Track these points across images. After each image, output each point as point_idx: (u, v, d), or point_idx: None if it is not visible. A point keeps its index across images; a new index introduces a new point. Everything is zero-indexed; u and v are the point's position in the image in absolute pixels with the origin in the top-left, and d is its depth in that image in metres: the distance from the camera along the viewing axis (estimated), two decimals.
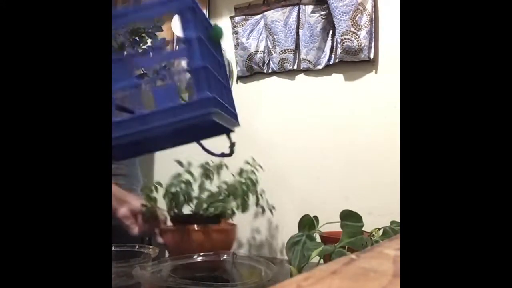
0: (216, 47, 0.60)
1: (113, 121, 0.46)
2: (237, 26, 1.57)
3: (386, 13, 1.35)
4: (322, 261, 0.86)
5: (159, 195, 1.01)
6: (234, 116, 0.62)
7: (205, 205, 1.00)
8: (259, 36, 1.54)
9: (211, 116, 0.49)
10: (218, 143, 0.62)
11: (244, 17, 1.56)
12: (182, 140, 0.61)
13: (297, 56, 1.48)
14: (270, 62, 1.53)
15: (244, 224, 1.47)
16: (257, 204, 1.08)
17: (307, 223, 0.96)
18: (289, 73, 1.51)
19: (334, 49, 1.41)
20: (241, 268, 0.86)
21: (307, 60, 1.44)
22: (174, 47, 1.67)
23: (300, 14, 1.44)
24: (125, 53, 0.83)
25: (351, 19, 1.32)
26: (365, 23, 1.33)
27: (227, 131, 0.62)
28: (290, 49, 1.47)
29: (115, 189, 1.07)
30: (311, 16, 1.40)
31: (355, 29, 1.32)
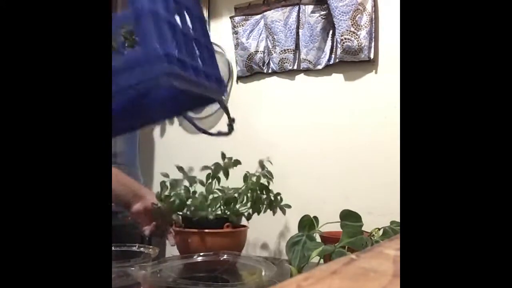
0: None
1: None
2: (237, 26, 1.57)
3: (386, 13, 1.35)
4: (322, 261, 0.86)
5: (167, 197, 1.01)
6: (218, 81, 0.50)
7: (215, 208, 1.00)
8: (259, 36, 1.54)
9: (167, 79, 0.38)
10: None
11: (244, 17, 1.56)
12: (156, 114, 0.51)
13: (297, 56, 1.48)
14: (270, 62, 1.53)
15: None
16: (270, 206, 1.08)
17: (307, 223, 0.96)
18: (289, 73, 1.51)
19: (334, 49, 1.41)
20: (241, 268, 0.86)
21: (307, 60, 1.44)
22: None
23: (300, 14, 1.44)
24: None
25: (351, 19, 1.32)
26: (365, 23, 1.33)
27: (209, 101, 0.50)
28: (290, 49, 1.46)
29: (130, 181, 1.06)
30: (311, 16, 1.40)
31: (355, 29, 1.32)
